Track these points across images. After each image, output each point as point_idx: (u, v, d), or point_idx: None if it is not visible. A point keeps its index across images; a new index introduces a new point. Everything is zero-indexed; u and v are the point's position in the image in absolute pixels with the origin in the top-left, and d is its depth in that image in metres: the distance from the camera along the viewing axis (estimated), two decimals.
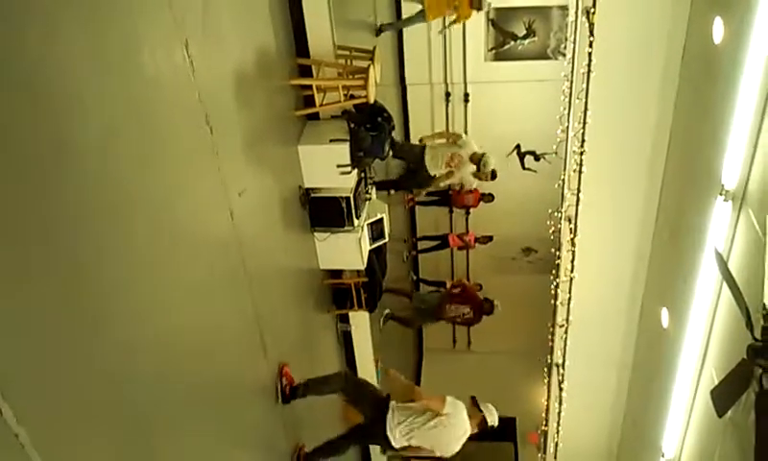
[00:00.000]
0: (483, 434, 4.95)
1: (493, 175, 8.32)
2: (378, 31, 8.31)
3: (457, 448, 4.87)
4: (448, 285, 9.66)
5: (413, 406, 4.93)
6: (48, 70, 2.48)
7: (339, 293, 6.93)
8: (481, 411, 4.89)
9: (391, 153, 6.89)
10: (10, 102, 2.28)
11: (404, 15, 8.65)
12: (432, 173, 7.98)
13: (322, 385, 5.24)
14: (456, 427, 4.79)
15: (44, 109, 2.46)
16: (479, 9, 7.89)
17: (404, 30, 8.98)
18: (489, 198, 9.71)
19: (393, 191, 9.21)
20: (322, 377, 5.27)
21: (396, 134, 7.22)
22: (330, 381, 5.25)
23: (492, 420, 4.90)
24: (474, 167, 8.01)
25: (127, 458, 2.96)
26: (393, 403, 4.96)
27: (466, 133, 9.35)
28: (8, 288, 2.23)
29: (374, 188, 6.82)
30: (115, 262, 2.89)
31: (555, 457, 8.88)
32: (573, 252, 7.35)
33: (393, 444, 4.87)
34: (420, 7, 7.77)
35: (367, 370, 7.68)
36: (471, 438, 4.93)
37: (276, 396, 4.99)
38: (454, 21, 7.96)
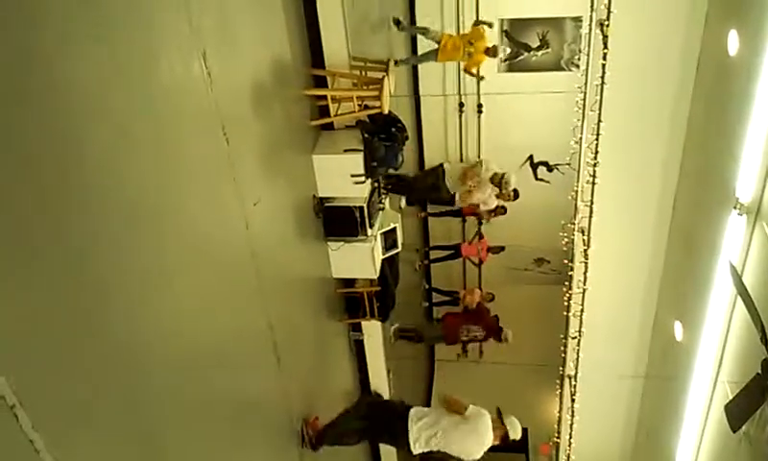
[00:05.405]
0: (496, 445, 4.96)
1: (516, 194, 8.46)
2: (395, 63, 8.37)
3: (478, 454, 4.86)
4: (461, 294, 9.70)
5: (436, 410, 4.96)
6: (64, 78, 2.52)
7: (351, 302, 6.95)
8: (504, 424, 4.89)
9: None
10: (26, 114, 2.33)
11: (419, 51, 8.70)
12: (453, 191, 8.15)
13: (344, 438, 5.38)
14: (478, 433, 4.80)
15: (59, 119, 2.50)
16: (494, 56, 7.91)
17: (417, 41, 8.99)
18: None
19: (404, 203, 9.20)
20: (341, 428, 5.33)
21: (410, 143, 7.23)
22: (349, 431, 5.32)
23: (515, 433, 4.91)
24: (496, 189, 8.22)
25: None
26: (413, 411, 4.96)
27: (479, 145, 9.40)
28: (25, 296, 2.28)
29: (387, 194, 6.85)
30: (131, 271, 2.93)
31: None
32: (586, 263, 7.33)
33: (413, 449, 4.87)
34: (435, 45, 7.77)
35: (379, 378, 7.69)
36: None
37: (303, 444, 5.20)
38: (467, 70, 8.00)
